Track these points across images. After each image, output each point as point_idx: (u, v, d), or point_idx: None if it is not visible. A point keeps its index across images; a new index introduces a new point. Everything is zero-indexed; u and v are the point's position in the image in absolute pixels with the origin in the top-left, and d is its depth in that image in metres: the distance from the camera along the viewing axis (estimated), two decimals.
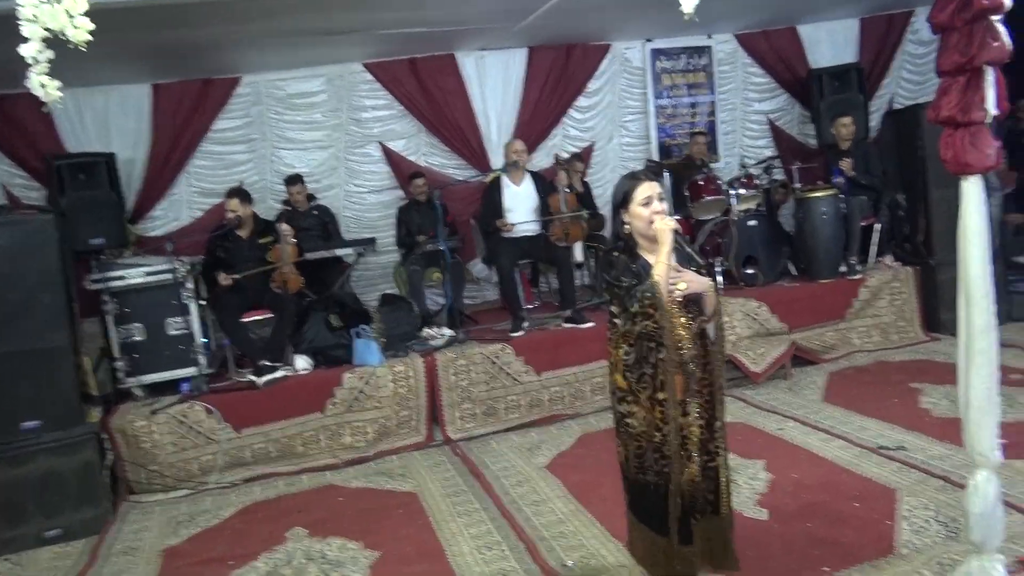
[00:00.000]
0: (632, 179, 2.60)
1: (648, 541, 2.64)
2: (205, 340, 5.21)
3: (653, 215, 2.48)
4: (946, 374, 4.92)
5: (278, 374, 4.96)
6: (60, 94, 2.14)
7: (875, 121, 7.62)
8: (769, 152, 7.55)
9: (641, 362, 2.49)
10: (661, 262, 2.45)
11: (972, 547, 2.51)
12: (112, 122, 6.21)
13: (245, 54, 5.94)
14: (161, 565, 3.74)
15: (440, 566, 3.35)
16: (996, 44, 2.31)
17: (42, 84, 2.14)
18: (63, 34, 2.09)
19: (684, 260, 2.63)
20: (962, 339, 2.52)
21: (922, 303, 5.96)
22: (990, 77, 2.35)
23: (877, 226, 6.11)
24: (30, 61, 2.10)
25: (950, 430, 4.04)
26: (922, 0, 7.63)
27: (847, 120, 6.13)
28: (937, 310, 5.88)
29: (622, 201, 2.56)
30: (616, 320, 2.55)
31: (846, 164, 5.95)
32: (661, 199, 2.52)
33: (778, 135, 7.78)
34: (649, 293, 2.42)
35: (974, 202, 2.44)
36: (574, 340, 5.37)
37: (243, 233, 5.35)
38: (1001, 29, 2.33)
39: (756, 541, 3.15)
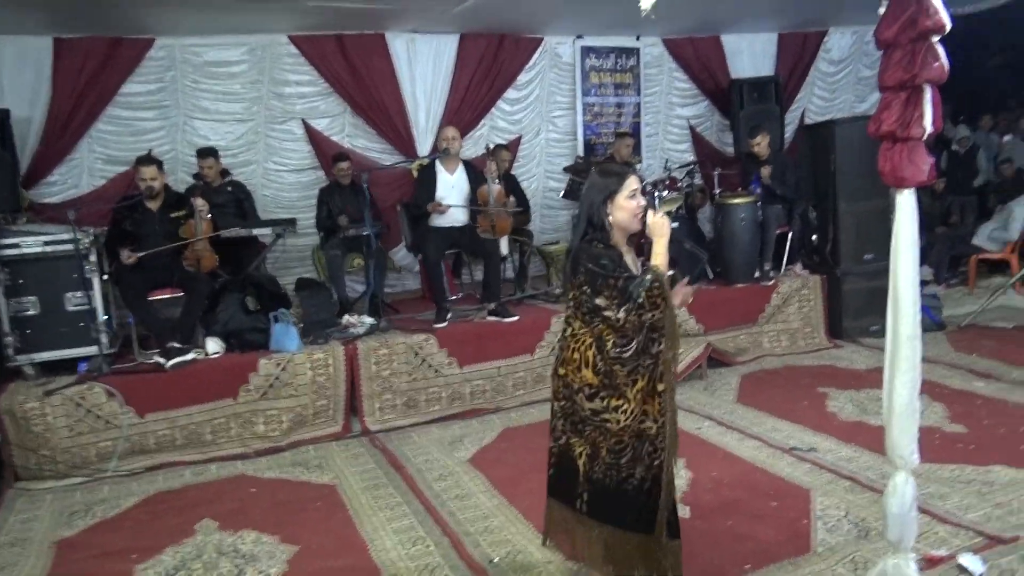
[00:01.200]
0: (619, 172, 2.60)
1: (628, 543, 2.56)
2: (107, 317, 4.87)
3: (638, 209, 2.51)
4: (850, 380, 5.25)
5: (188, 356, 4.69)
6: None
7: (789, 133, 7.96)
8: (689, 156, 7.77)
9: (641, 354, 2.46)
10: (660, 254, 2.49)
11: (888, 545, 2.64)
12: (5, 75, 5.69)
13: (161, 14, 5.57)
14: (54, 558, 3.47)
15: (363, 561, 3.25)
16: (936, 64, 2.42)
17: None
18: None
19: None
20: (889, 347, 2.64)
21: (827, 311, 6.26)
22: (928, 95, 2.47)
23: (790, 235, 6.36)
24: None
25: (856, 433, 4.28)
26: (836, 20, 8.04)
27: (759, 139, 6.34)
28: (840, 318, 6.20)
29: (610, 193, 2.53)
30: (606, 313, 2.44)
31: (766, 172, 6.17)
32: (644, 193, 2.59)
33: (698, 140, 8.01)
34: (658, 283, 2.41)
35: (907, 214, 2.55)
36: (498, 333, 5.34)
37: (153, 205, 5.02)
38: (941, 50, 2.45)
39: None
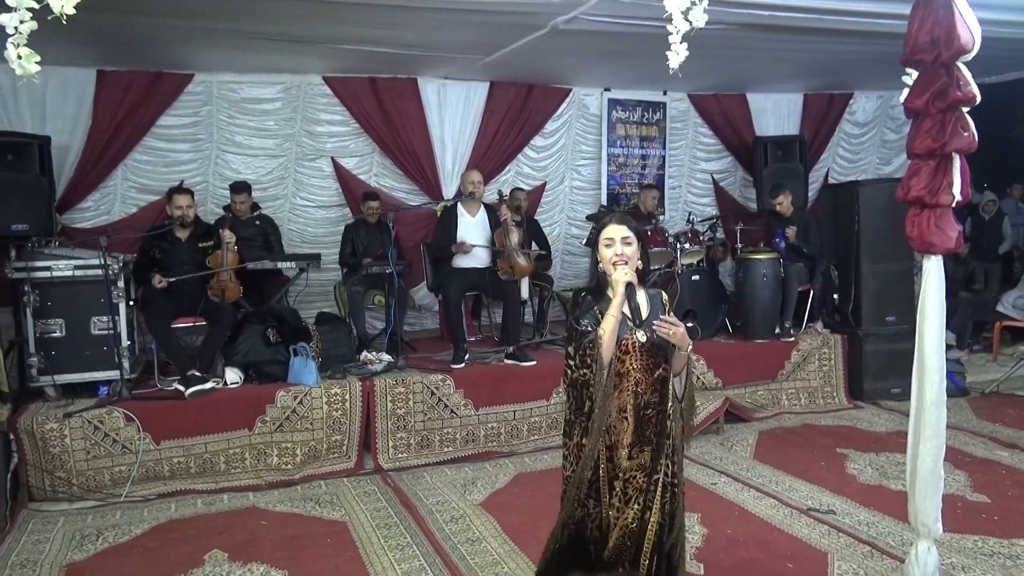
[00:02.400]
0: (603, 219, 2.64)
1: None
2: (129, 343, 4.92)
3: (614, 257, 2.50)
4: (870, 442, 5.18)
5: (207, 385, 4.72)
6: (38, 68, 2.00)
7: (812, 192, 8.00)
8: (712, 210, 7.82)
9: (578, 410, 2.51)
10: (611, 315, 2.44)
11: None
12: (50, 104, 5.86)
13: (200, 51, 5.73)
14: None
15: None
16: (966, 134, 2.46)
17: (19, 56, 1.99)
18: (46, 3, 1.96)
19: (658, 310, 2.62)
20: (913, 411, 2.62)
21: (847, 371, 6.21)
22: (957, 164, 2.50)
23: (812, 292, 6.35)
24: (10, 31, 1.96)
25: (875, 497, 4.21)
26: (861, 85, 8.13)
27: (780, 198, 6.38)
28: (861, 378, 6.14)
29: (594, 240, 2.61)
30: (569, 362, 2.53)
31: (791, 232, 6.19)
32: (627, 243, 2.52)
33: (721, 195, 8.06)
34: (591, 345, 2.42)
35: (934, 280, 2.56)
36: (515, 377, 5.34)
37: (182, 235, 5.13)
38: (970, 121, 2.48)
39: None
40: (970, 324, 7.55)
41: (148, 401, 4.66)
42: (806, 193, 7.64)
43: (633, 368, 2.51)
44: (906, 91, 2.58)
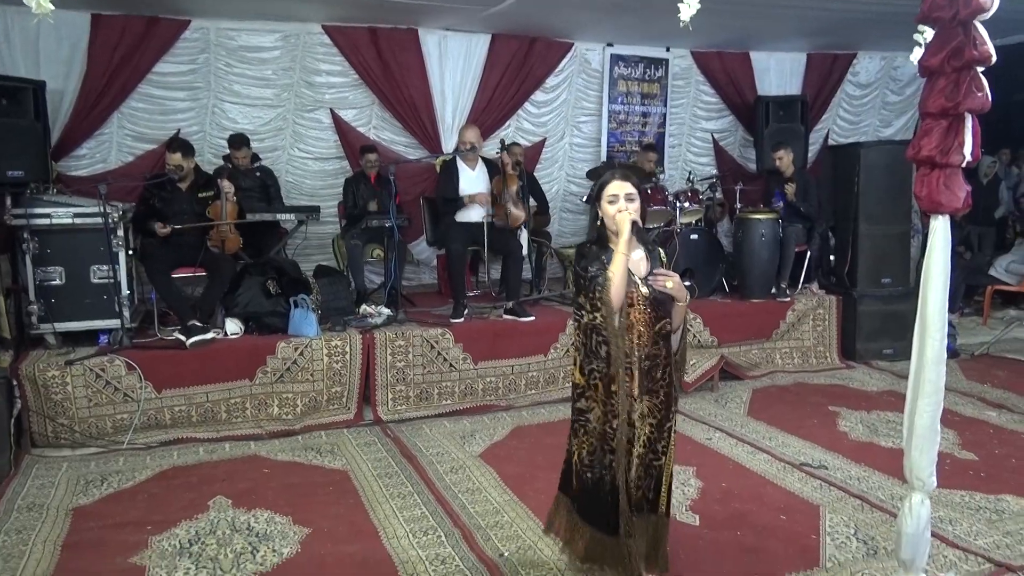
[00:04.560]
0: (603, 174, 2.65)
1: (595, 541, 2.68)
2: (129, 292, 4.92)
3: (618, 214, 2.52)
4: (861, 400, 5.27)
5: (208, 335, 4.74)
6: (52, 7, 1.97)
7: (812, 153, 7.98)
8: (711, 169, 7.80)
9: (591, 356, 2.55)
10: (620, 253, 2.47)
11: (899, 565, 2.66)
12: (43, 48, 5.76)
13: None
14: (70, 525, 3.50)
15: (375, 547, 3.28)
16: (980, 94, 2.44)
17: None
18: None
19: (657, 266, 2.65)
20: (913, 368, 2.66)
21: (841, 331, 6.28)
22: (970, 124, 2.49)
23: (808, 253, 6.38)
24: None
25: (866, 454, 4.30)
26: (865, 45, 8.06)
27: (781, 153, 6.37)
28: (854, 339, 6.21)
29: (596, 194, 2.61)
30: (581, 311, 2.57)
31: (790, 189, 6.19)
32: (630, 199, 2.53)
33: (720, 155, 8.04)
34: (600, 286, 2.46)
35: (941, 240, 2.56)
36: (514, 332, 5.38)
37: (182, 185, 5.09)
38: (984, 81, 2.47)
39: (688, 545, 3.24)
40: (962, 287, 7.61)
41: (149, 350, 4.68)
42: (806, 154, 7.63)
43: (637, 320, 2.55)
44: (918, 50, 2.56)
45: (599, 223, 2.63)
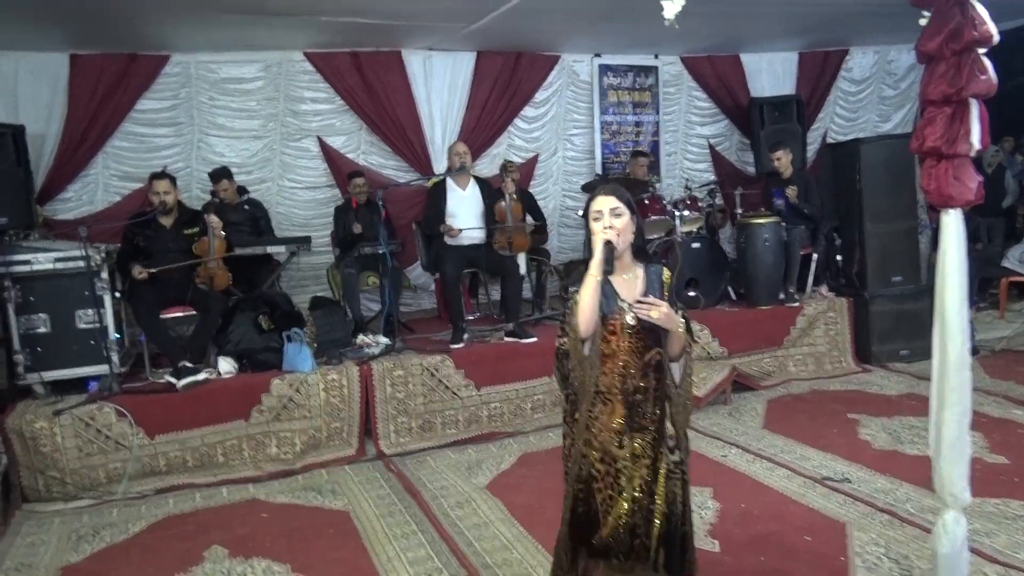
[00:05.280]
0: (593, 191, 2.49)
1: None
2: (118, 336, 4.78)
3: (602, 231, 2.32)
4: (881, 405, 5.07)
5: (200, 376, 4.59)
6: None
7: (811, 153, 7.83)
8: (709, 176, 7.65)
9: (564, 380, 2.37)
10: (589, 274, 2.27)
11: None
12: (22, 91, 5.67)
13: (176, 30, 5.53)
14: None
15: None
16: (984, 77, 2.29)
17: None
18: None
19: (655, 288, 2.42)
20: (935, 375, 2.49)
21: (854, 334, 6.09)
22: (975, 110, 2.33)
23: (815, 256, 6.21)
24: None
25: (891, 463, 4.11)
26: (857, 40, 7.93)
27: (779, 153, 6.22)
28: (869, 342, 6.02)
29: (584, 211, 2.45)
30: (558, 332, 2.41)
31: (792, 191, 6.03)
32: (616, 215, 2.33)
33: (718, 160, 7.90)
34: (568, 309, 2.30)
35: (954, 236, 2.40)
36: (516, 355, 5.21)
37: (166, 222, 4.95)
38: (988, 63, 2.32)
39: (709, 573, 3.05)
40: (976, 281, 7.42)
41: (139, 395, 4.53)
42: (804, 154, 7.47)
43: (620, 349, 2.34)
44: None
45: (591, 240, 2.45)
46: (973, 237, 8.20)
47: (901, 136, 6.66)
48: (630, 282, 2.40)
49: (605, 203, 2.35)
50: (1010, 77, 9.48)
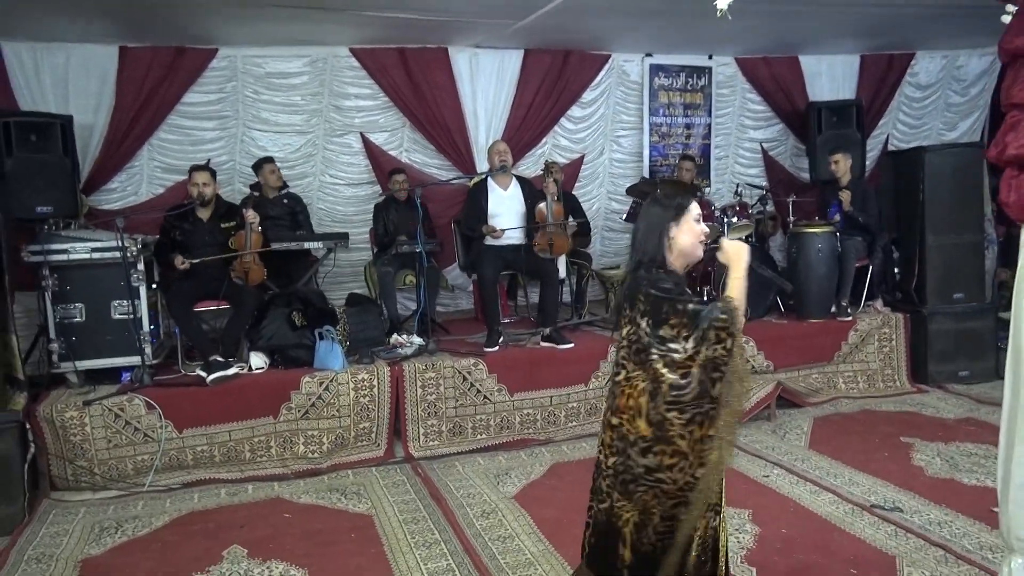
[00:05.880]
0: (684, 193, 2.39)
1: None
2: (153, 327, 4.77)
3: (702, 235, 2.30)
4: (936, 429, 4.78)
5: (230, 371, 4.55)
6: None
7: (870, 161, 7.50)
8: (761, 181, 7.37)
9: (701, 397, 2.13)
10: (736, 284, 2.20)
11: None
12: (72, 83, 5.71)
13: (224, 25, 5.52)
14: None
15: None
16: None
17: None
18: None
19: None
20: (1007, 407, 2.27)
21: (910, 352, 5.78)
22: None
23: (871, 268, 5.91)
24: None
25: (946, 492, 3.85)
26: (923, 44, 7.55)
27: (838, 156, 5.95)
28: (925, 361, 5.70)
29: (675, 215, 2.28)
30: (672, 345, 2.14)
31: (845, 196, 5.75)
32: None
33: (771, 165, 7.60)
34: (727, 316, 2.10)
35: None
36: (552, 361, 5.06)
37: (204, 215, 4.94)
38: None
39: None
40: None
41: (170, 388, 4.51)
42: (863, 162, 7.13)
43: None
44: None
45: (666, 245, 2.26)
46: None
47: (969, 145, 6.31)
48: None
49: (699, 209, 2.35)
50: None
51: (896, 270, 6.14)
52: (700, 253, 2.31)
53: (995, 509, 3.58)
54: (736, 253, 2.26)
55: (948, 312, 5.70)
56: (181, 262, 4.70)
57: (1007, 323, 6.71)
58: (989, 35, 7.42)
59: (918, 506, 3.71)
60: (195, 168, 4.94)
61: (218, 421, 4.46)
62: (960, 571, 3.07)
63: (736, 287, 2.20)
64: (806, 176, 7.45)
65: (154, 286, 4.86)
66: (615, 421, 2.25)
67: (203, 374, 4.53)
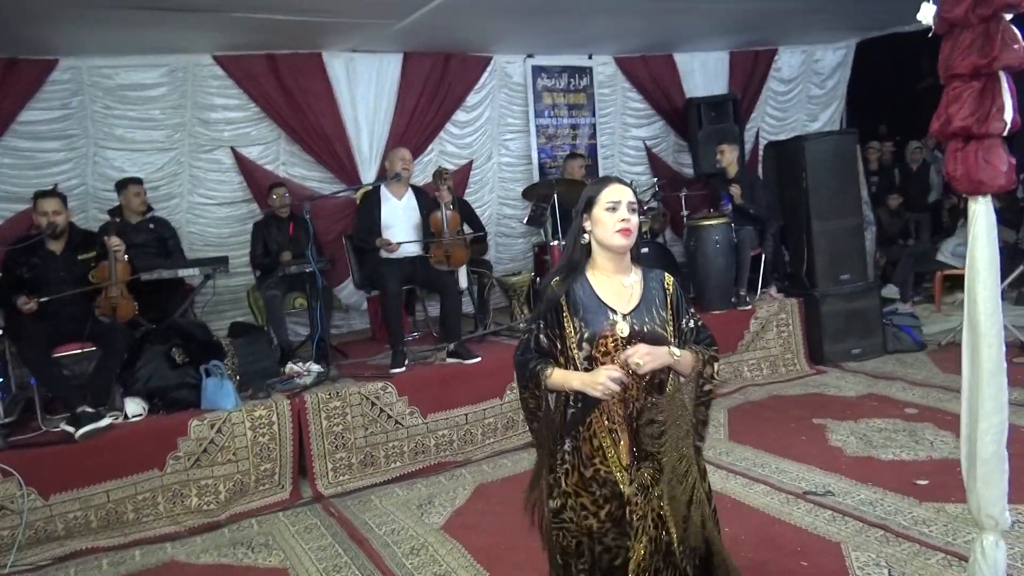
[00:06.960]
0: (600, 181, 2.12)
1: None
2: (1, 380, 4.12)
3: (619, 224, 2.00)
4: (844, 409, 4.90)
5: (102, 423, 3.97)
6: None
7: (746, 155, 7.73)
8: (646, 178, 7.42)
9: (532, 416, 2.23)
10: (574, 382, 1.99)
11: None
12: None
13: (64, 31, 4.90)
14: None
15: None
16: (1016, 47, 2.03)
17: None
18: None
19: (657, 299, 2.11)
20: (966, 383, 2.23)
21: (806, 335, 5.94)
22: (1006, 84, 2.08)
23: (763, 257, 6.04)
24: None
25: (868, 471, 3.90)
26: (784, 40, 7.90)
27: (724, 147, 6.04)
28: (821, 342, 5.87)
29: (586, 205, 2.08)
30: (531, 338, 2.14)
31: (735, 190, 5.84)
32: (632, 210, 2.03)
33: (655, 162, 7.70)
34: (533, 379, 2.07)
35: (985, 228, 2.14)
36: (463, 377, 4.79)
37: (56, 247, 4.31)
38: (1018, 33, 2.07)
39: None
40: (911, 276, 7.46)
41: (30, 448, 3.88)
42: (742, 153, 7.34)
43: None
44: (927, 6, 2.13)
45: (581, 241, 2.09)
46: (904, 233, 8.29)
47: (843, 132, 6.59)
48: (624, 291, 2.06)
49: (623, 193, 2.04)
50: (920, 77, 9.73)
51: (786, 257, 6.31)
52: (619, 241, 2.01)
53: (919, 482, 3.69)
54: (654, 358, 1.94)
55: (837, 293, 5.90)
56: (25, 302, 4.03)
57: (890, 301, 7.05)
58: (843, 30, 7.87)
59: (847, 487, 3.73)
60: (41, 195, 4.31)
61: (92, 481, 3.87)
62: (903, 549, 3.07)
63: (573, 381, 2.00)
64: (689, 171, 7.60)
65: (0, 332, 4.19)
66: None
67: (70, 429, 3.92)
